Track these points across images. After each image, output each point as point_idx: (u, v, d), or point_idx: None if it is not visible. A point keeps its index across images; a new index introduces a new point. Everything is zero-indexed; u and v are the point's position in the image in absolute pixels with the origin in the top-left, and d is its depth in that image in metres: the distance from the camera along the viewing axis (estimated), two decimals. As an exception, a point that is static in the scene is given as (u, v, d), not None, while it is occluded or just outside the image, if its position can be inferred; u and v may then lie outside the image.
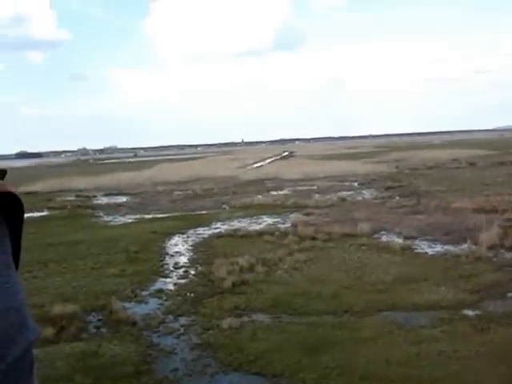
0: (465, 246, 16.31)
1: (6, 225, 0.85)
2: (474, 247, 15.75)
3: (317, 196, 33.11)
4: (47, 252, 19.23)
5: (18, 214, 0.86)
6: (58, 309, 11.69)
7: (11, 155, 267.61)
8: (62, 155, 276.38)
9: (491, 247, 15.60)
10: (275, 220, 24.38)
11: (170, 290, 13.74)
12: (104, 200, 39.61)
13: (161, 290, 13.74)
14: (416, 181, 38.94)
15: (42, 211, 33.23)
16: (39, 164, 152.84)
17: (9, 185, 0.85)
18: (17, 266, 0.88)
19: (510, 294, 11.88)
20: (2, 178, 0.88)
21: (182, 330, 10.79)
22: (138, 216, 28.78)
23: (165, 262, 17.13)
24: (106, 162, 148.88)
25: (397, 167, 54.25)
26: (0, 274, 0.80)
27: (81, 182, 52.04)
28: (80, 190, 45.93)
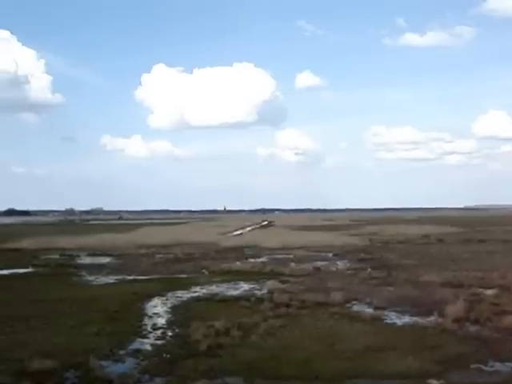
0: (432, 318, 17.00)
1: None
2: (440, 319, 16.45)
3: (293, 265, 33.93)
4: (29, 308, 19.44)
5: None
6: (36, 364, 11.95)
7: (0, 212, 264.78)
8: (50, 214, 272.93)
9: (456, 320, 16.26)
10: (252, 286, 24.95)
11: (147, 350, 14.03)
12: (87, 260, 39.92)
13: (138, 350, 14.04)
14: (387, 254, 40.18)
15: (27, 267, 33.55)
16: (26, 222, 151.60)
17: None
18: None
19: (473, 366, 12.35)
20: None
21: (157, 390, 11.02)
22: (119, 277, 29.14)
23: (143, 322, 17.47)
24: (91, 222, 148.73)
25: (370, 240, 55.80)
26: None
27: (66, 242, 52.51)
28: (64, 249, 46.24)
